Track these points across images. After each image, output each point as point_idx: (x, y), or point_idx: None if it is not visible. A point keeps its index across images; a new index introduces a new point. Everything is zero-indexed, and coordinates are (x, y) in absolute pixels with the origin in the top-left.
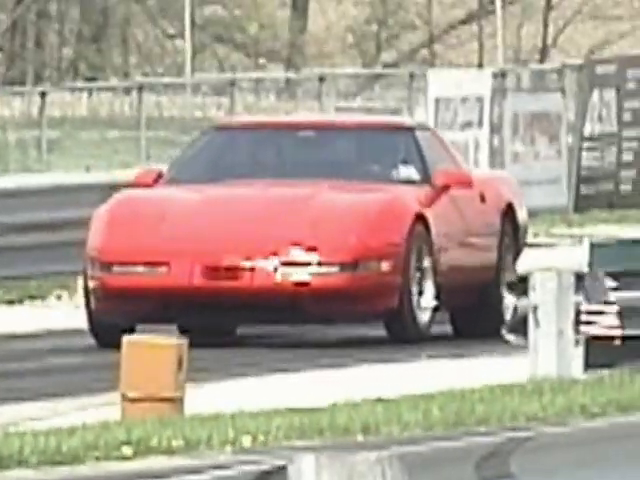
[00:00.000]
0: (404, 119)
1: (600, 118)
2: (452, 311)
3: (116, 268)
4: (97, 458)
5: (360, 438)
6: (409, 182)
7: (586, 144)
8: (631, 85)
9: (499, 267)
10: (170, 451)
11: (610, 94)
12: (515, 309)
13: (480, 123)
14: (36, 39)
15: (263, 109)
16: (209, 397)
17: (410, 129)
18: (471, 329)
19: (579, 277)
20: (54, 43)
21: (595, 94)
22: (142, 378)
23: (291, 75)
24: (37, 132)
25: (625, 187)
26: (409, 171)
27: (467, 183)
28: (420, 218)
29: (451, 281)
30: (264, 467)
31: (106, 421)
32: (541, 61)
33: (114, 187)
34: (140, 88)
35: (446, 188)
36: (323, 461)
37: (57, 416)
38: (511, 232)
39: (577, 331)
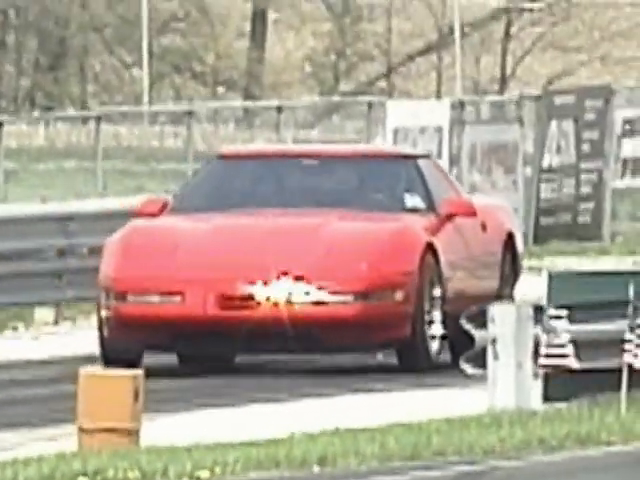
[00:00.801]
0: (405, 148)
1: (558, 149)
2: (452, 338)
3: (130, 297)
4: None
5: (317, 470)
6: (415, 211)
7: (544, 175)
8: (590, 116)
9: (500, 295)
10: None
11: (568, 125)
12: (474, 341)
13: (439, 154)
14: None
15: (221, 139)
16: (166, 429)
17: (412, 158)
18: None
19: (538, 309)
20: (11, 73)
21: (553, 125)
22: (98, 409)
23: (249, 105)
24: None
25: (584, 219)
26: (415, 200)
27: (471, 212)
28: (430, 247)
29: (456, 309)
30: None
31: (62, 452)
32: (500, 91)
33: (71, 218)
34: (98, 118)
35: (451, 217)
36: None
37: (14, 447)
38: (510, 260)
39: (536, 363)
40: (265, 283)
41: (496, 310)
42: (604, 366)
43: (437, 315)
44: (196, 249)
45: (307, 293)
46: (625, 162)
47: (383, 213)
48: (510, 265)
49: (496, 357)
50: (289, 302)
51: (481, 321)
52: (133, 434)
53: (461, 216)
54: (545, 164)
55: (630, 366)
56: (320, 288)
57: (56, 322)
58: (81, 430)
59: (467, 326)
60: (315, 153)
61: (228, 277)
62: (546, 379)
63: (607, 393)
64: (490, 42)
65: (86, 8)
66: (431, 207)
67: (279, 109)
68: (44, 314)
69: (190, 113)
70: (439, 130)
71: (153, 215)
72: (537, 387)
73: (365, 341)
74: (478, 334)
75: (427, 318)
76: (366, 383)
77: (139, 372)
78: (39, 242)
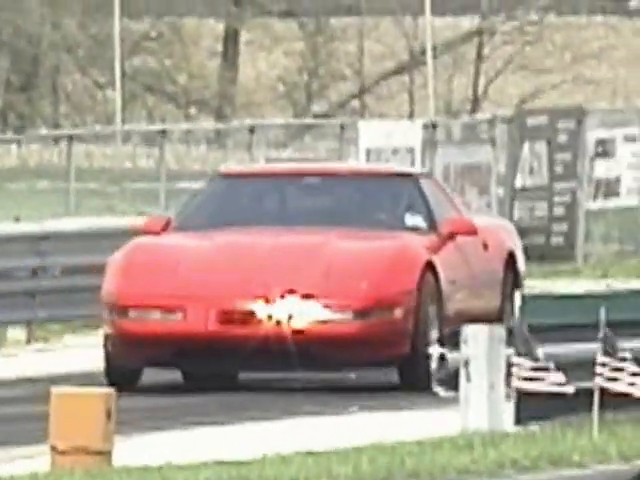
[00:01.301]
0: (408, 167)
1: (531, 170)
2: None
3: (132, 313)
4: None
5: None
6: (416, 230)
7: (517, 196)
8: (562, 137)
9: (501, 315)
10: None
11: (541, 146)
12: (446, 361)
13: None
14: None
15: (193, 159)
16: (138, 449)
17: (414, 177)
18: None
19: (511, 330)
20: None
21: (526, 146)
22: (71, 429)
23: (221, 125)
24: None
25: (557, 240)
26: (415, 219)
27: (472, 231)
28: (430, 265)
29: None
30: None
31: (35, 472)
32: (472, 112)
33: (44, 238)
34: (70, 138)
35: (452, 236)
36: None
37: None
38: (512, 280)
39: (509, 384)
40: (266, 301)
41: (469, 331)
42: (576, 388)
43: (435, 333)
44: (198, 266)
45: (308, 311)
46: (598, 183)
47: (384, 232)
48: (511, 284)
49: (469, 379)
50: (290, 320)
51: (454, 342)
52: (105, 454)
53: (462, 235)
54: (518, 185)
55: (602, 388)
56: (320, 306)
57: (28, 342)
58: (54, 450)
59: (440, 347)
60: (316, 172)
61: (229, 294)
62: (518, 401)
63: (579, 415)
64: (462, 63)
65: (58, 28)
66: (432, 226)
67: (251, 130)
68: (16, 334)
69: (163, 132)
70: (411, 151)
71: (156, 233)
72: (510, 409)
73: (365, 359)
74: (451, 356)
75: (427, 336)
76: (339, 404)
77: (111, 391)
78: (12, 262)
